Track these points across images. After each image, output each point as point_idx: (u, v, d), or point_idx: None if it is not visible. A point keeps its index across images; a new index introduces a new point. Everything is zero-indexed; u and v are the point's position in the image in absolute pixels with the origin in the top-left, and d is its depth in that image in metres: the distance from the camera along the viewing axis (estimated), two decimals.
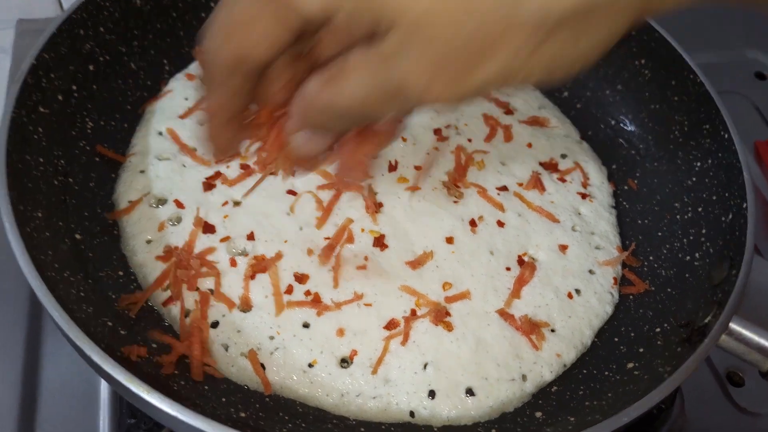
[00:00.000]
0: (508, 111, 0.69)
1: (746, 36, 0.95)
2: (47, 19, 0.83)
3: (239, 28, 0.32)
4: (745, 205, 0.54)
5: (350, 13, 0.29)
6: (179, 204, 0.58)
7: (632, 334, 0.56)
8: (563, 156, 0.67)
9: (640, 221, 0.64)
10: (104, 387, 0.60)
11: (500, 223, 0.60)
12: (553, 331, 0.55)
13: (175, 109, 0.64)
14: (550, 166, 0.66)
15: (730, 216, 0.56)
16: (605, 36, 0.30)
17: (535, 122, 0.69)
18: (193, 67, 0.69)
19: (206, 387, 0.50)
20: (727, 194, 0.58)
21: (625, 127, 0.70)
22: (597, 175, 0.67)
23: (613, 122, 0.70)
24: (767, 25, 0.97)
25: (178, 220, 0.57)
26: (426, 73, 0.28)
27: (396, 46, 0.28)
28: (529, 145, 0.67)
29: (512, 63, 0.28)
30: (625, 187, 0.67)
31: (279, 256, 0.56)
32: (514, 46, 0.28)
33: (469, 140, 0.65)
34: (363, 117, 0.33)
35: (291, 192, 0.59)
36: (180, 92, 0.66)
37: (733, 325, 0.49)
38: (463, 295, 0.55)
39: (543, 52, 0.29)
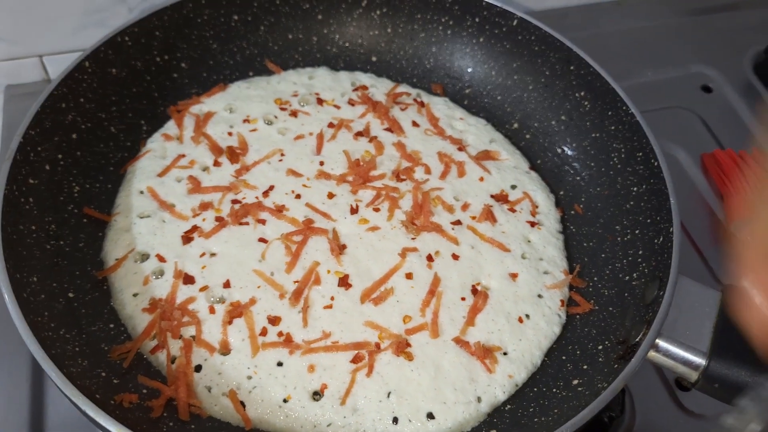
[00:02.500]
0: (461, 148, 0.74)
1: (691, 51, 1.00)
2: (34, 83, 0.89)
3: None
4: (671, 229, 0.60)
5: None
6: (161, 258, 0.64)
7: (578, 352, 0.61)
8: (513, 187, 0.73)
9: (585, 244, 0.70)
10: None
11: (455, 256, 0.66)
12: (505, 354, 0.61)
13: (154, 167, 0.70)
14: (501, 198, 0.71)
15: (661, 238, 0.61)
16: None
17: (486, 157, 0.74)
18: (169, 125, 0.74)
19: (193, 426, 0.56)
20: (658, 218, 0.63)
21: (570, 155, 0.75)
22: (545, 202, 0.72)
23: (559, 151, 0.76)
24: (712, 40, 1.02)
25: (161, 273, 0.63)
26: None
27: None
28: (481, 179, 0.72)
29: None
30: (572, 212, 0.72)
31: (253, 301, 0.61)
32: None
33: (426, 179, 0.71)
34: None
35: (262, 240, 0.65)
36: (158, 151, 0.71)
37: (660, 342, 0.55)
38: (422, 327, 0.61)
39: None
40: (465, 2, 0.78)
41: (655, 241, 0.62)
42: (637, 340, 0.55)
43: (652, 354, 0.55)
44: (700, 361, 0.54)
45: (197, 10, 0.76)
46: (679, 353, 0.54)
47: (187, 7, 0.75)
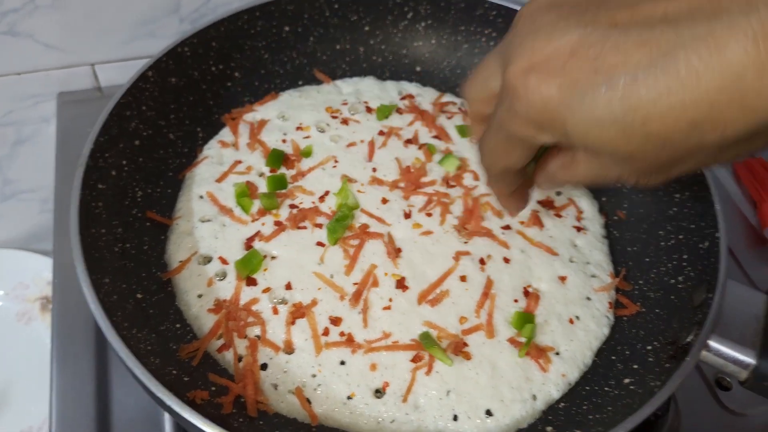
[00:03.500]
0: None
1: None
2: (85, 90, 0.91)
3: (502, 154, 0.49)
4: (717, 235, 0.62)
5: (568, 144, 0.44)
6: (223, 260, 0.66)
7: (627, 353, 0.64)
8: (558, 193, 0.75)
9: (629, 248, 0.72)
10: (167, 425, 0.68)
11: (506, 260, 0.68)
12: (557, 354, 0.63)
13: (212, 173, 0.73)
14: (547, 204, 0.74)
15: (707, 243, 0.64)
16: (742, 151, 0.42)
17: None
18: (224, 133, 0.77)
19: (261, 422, 0.58)
20: (703, 223, 0.65)
21: None
22: (589, 208, 0.75)
23: None
24: None
25: (224, 275, 0.66)
26: (634, 175, 0.44)
27: (610, 162, 0.43)
28: None
29: (697, 165, 0.42)
30: (615, 218, 0.75)
31: (314, 302, 0.64)
32: (699, 159, 0.41)
33: (475, 186, 0.73)
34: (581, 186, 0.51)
35: (320, 243, 0.68)
36: (215, 158, 0.74)
37: (711, 342, 0.57)
38: (478, 328, 0.63)
39: (724, 154, 0.41)
40: (509, 15, 0.81)
41: (700, 245, 0.65)
42: (689, 340, 0.57)
43: (703, 353, 0.57)
44: (750, 360, 0.56)
45: (251, 22, 0.78)
46: (729, 353, 0.57)
47: (242, 19, 0.78)
